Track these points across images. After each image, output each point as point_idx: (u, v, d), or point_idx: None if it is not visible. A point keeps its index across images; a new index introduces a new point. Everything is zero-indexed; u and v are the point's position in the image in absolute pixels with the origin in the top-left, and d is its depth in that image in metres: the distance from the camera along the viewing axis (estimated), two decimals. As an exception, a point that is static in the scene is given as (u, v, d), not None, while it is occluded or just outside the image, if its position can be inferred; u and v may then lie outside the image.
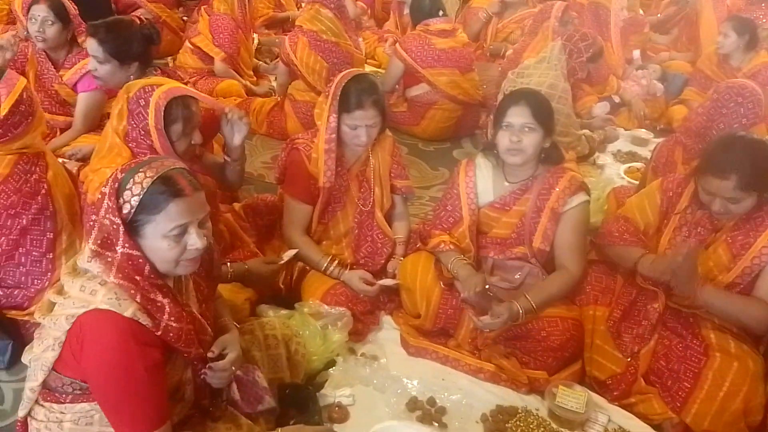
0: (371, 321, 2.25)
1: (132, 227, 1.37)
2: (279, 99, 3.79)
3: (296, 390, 1.84)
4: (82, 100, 2.95)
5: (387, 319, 2.28)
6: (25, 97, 1.93)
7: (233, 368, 1.59)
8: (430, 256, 2.24)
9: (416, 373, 2.04)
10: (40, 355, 1.42)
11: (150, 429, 1.38)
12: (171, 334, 1.41)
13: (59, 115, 3.08)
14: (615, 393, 1.98)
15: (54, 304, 1.43)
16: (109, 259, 1.36)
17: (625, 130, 3.93)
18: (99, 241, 1.38)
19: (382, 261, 2.39)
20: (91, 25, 2.48)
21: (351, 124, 2.23)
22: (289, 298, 2.28)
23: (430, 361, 2.11)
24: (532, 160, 2.11)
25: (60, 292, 1.44)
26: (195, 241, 1.40)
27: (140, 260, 1.38)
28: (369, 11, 5.48)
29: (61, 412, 1.43)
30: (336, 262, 2.28)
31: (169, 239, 1.38)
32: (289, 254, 2.20)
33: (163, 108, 1.89)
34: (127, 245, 1.36)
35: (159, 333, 1.38)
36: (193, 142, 2.01)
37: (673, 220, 2.07)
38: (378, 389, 1.97)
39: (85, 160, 2.66)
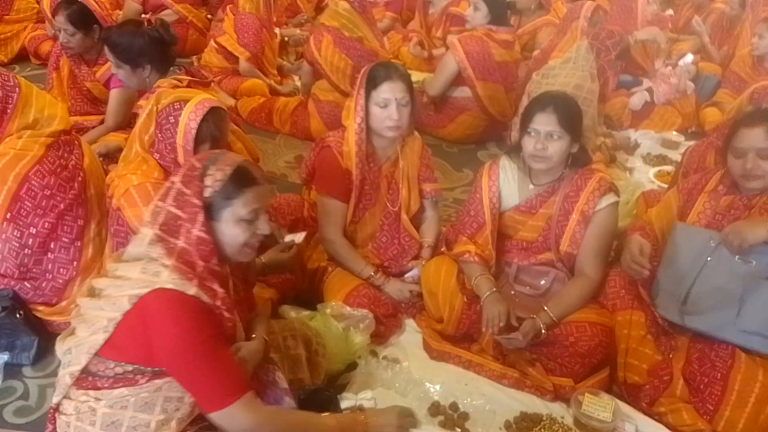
0: (394, 324, 2.23)
1: (209, 211, 1.46)
2: (303, 98, 3.78)
3: (316, 392, 1.83)
4: (113, 97, 2.99)
5: (410, 323, 2.26)
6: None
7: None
8: (454, 261, 2.21)
9: (439, 377, 2.01)
10: (86, 339, 1.44)
11: (241, 391, 1.43)
12: (223, 321, 1.47)
13: (92, 114, 3.13)
14: (647, 397, 1.92)
15: (98, 289, 1.47)
16: (171, 245, 1.42)
17: (655, 132, 3.84)
18: (164, 228, 1.44)
19: (408, 264, 2.36)
20: (104, 29, 2.51)
21: (380, 101, 2.19)
22: (311, 299, 2.26)
23: (453, 365, 2.08)
24: (559, 164, 2.07)
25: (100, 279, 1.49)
26: (264, 226, 1.53)
27: (210, 244, 1.45)
28: (399, 17, 5.42)
29: (97, 399, 1.43)
30: (380, 272, 2.27)
31: (243, 223, 1.49)
32: (300, 236, 2.18)
33: (195, 129, 1.91)
34: (203, 228, 1.44)
35: (217, 313, 1.45)
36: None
37: (697, 205, 2.04)
38: (400, 393, 1.95)
39: (110, 156, 2.68)
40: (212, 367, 1.40)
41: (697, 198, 2.07)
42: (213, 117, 1.96)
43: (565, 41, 3.76)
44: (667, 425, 1.85)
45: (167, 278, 1.39)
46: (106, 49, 2.51)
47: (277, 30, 4.69)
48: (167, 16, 4.54)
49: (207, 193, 1.46)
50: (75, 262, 2.09)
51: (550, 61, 3.41)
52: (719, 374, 1.83)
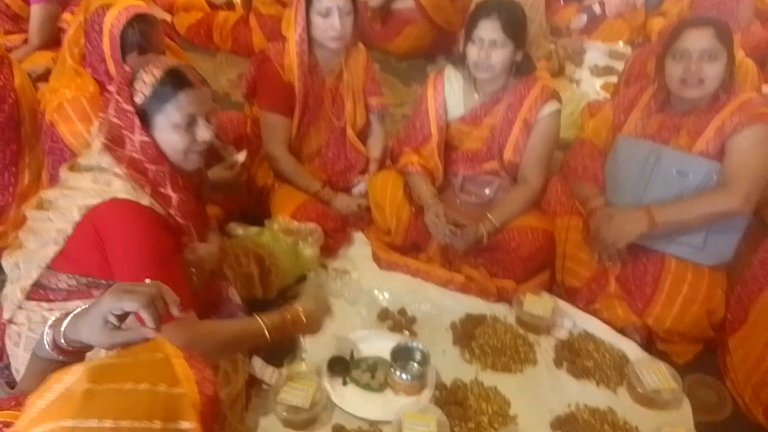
0: (343, 237, 2.24)
1: (144, 117, 1.41)
2: (244, 13, 3.61)
3: (268, 306, 1.85)
4: (35, 13, 2.77)
5: (358, 236, 2.28)
6: None
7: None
8: (400, 174, 2.21)
9: (387, 286, 2.06)
10: (36, 252, 1.41)
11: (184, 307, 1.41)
12: (177, 231, 1.46)
13: (14, 33, 2.90)
14: (584, 298, 2.02)
15: (46, 201, 1.43)
16: (119, 154, 1.40)
17: (603, 43, 3.84)
18: (109, 137, 1.41)
19: (355, 179, 2.37)
20: None
21: (322, 9, 2.11)
22: (258, 216, 2.25)
23: (402, 274, 2.13)
24: (503, 73, 2.06)
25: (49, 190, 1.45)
26: (203, 132, 1.46)
27: (155, 148, 1.42)
28: None
29: (49, 309, 1.42)
30: (327, 186, 2.26)
31: (180, 129, 1.43)
32: (242, 155, 2.15)
33: (119, 35, 1.80)
34: (143, 133, 1.40)
35: (172, 222, 1.44)
36: None
37: (629, 122, 2.06)
38: (349, 302, 1.99)
39: (41, 78, 2.53)
40: (164, 277, 1.34)
41: (630, 113, 2.09)
42: (139, 24, 1.84)
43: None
44: (602, 320, 1.96)
45: (120, 187, 1.36)
46: None
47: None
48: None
49: (138, 98, 1.40)
50: (10, 188, 2.00)
51: None
52: (650, 277, 1.94)
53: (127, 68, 1.45)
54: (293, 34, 2.17)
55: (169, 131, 1.42)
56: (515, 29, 2.00)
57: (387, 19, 3.68)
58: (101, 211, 1.35)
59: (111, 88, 1.46)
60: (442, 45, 3.77)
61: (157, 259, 1.37)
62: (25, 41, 2.84)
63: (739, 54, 2.42)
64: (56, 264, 1.41)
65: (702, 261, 1.91)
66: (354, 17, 2.18)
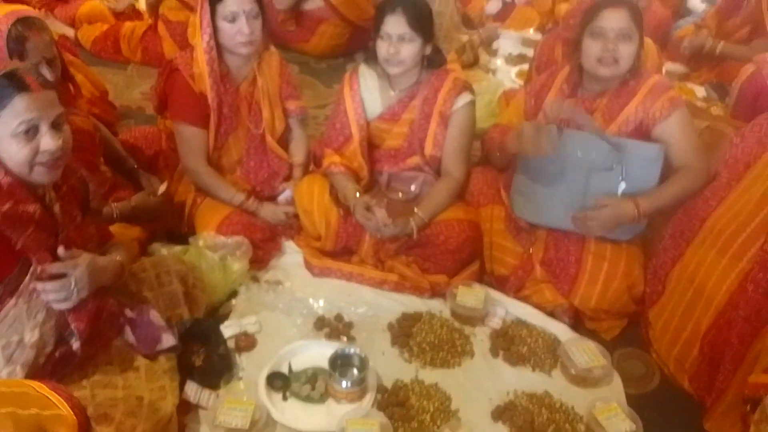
0: (272, 247, 2.20)
1: None
2: (151, 21, 3.47)
3: (196, 324, 1.79)
4: None
5: (289, 244, 2.24)
6: None
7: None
8: (325, 177, 2.19)
9: (322, 292, 2.04)
10: None
11: None
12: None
13: None
14: (513, 286, 2.07)
15: None
16: None
17: (515, 32, 3.94)
18: None
19: (280, 186, 2.32)
20: None
21: (227, 14, 2.05)
22: (182, 233, 2.17)
23: (335, 279, 2.11)
24: (414, 67, 2.07)
25: None
26: (48, 141, 1.34)
27: None
28: None
29: None
30: (252, 197, 2.20)
31: (18, 138, 1.32)
32: (163, 186, 2.08)
33: (10, 39, 1.73)
34: None
35: None
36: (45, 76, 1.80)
37: (544, 107, 2.10)
38: (284, 313, 1.96)
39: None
40: None
41: (543, 99, 2.14)
42: (22, 28, 1.74)
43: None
44: (532, 305, 2.02)
45: None
46: None
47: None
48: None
49: None
50: None
51: None
52: (573, 258, 2.00)
53: None
54: (200, 41, 2.10)
55: (7, 141, 1.31)
56: (422, 23, 2.02)
57: (300, 19, 3.64)
58: None
59: None
60: (360, 42, 3.74)
61: None
62: None
63: (641, 34, 2.53)
64: None
65: (618, 236, 1.99)
66: (262, 20, 2.13)
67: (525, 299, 2.03)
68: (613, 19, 1.94)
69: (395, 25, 1.97)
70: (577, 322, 1.99)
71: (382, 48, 2.01)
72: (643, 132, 1.99)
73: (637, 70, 2.00)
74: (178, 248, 2.06)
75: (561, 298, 1.98)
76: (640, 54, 2.00)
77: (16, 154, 1.32)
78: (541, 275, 2.05)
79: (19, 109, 1.30)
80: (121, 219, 1.98)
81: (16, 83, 1.31)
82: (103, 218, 1.87)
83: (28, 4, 2.18)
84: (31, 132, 1.32)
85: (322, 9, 3.59)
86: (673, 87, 2.13)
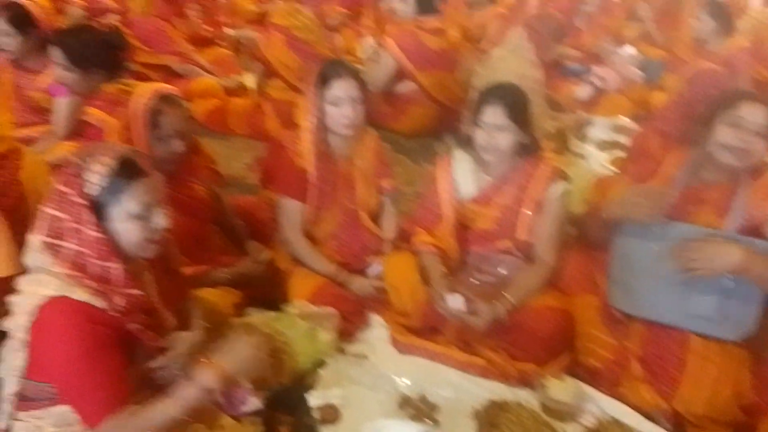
0: (359, 320, 2.23)
1: (97, 210, 1.37)
2: (257, 99, 3.74)
3: (284, 392, 1.83)
4: (60, 106, 2.88)
5: (376, 318, 2.26)
6: None
7: (176, 365, 1.54)
8: (414, 254, 2.23)
9: (406, 370, 2.03)
10: (9, 363, 1.39)
11: (107, 411, 1.33)
12: (123, 318, 1.39)
13: (37, 124, 3.00)
14: (607, 381, 1.98)
15: (10, 307, 1.40)
16: (59, 250, 1.35)
17: (606, 118, 3.93)
18: (50, 233, 1.36)
19: (370, 260, 2.37)
20: (53, 33, 2.44)
21: (333, 99, 2.18)
22: (275, 299, 2.25)
23: (420, 358, 2.10)
24: (509, 154, 2.11)
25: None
26: (159, 220, 1.43)
27: (107, 244, 1.37)
28: (350, 12, 5.39)
29: (40, 418, 1.39)
30: (343, 269, 2.27)
31: (136, 219, 1.39)
32: (265, 255, 2.18)
33: (146, 117, 1.90)
34: (95, 228, 1.35)
35: (113, 314, 1.37)
36: (173, 150, 2.00)
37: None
38: (369, 388, 1.96)
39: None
40: (91, 380, 1.32)
41: None
42: (162, 104, 1.94)
43: (511, 31, 3.82)
44: (628, 405, 1.91)
45: (54, 286, 1.32)
46: (56, 52, 2.43)
47: (230, 31, 4.63)
48: (113, 18, 4.41)
49: (90, 190, 1.35)
50: None
51: (491, 51, 3.45)
52: (674, 357, 1.90)
53: (74, 158, 1.39)
54: (307, 123, 2.24)
55: (126, 222, 1.38)
56: (519, 113, 2.07)
57: (392, 100, 3.80)
58: (40, 313, 1.32)
59: (56, 179, 1.39)
60: (448, 122, 3.86)
61: (84, 358, 1.31)
62: (48, 132, 2.94)
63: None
64: (30, 373, 1.38)
65: (722, 335, 1.88)
66: (364, 105, 2.26)
67: (620, 397, 1.93)
68: (756, 114, 1.90)
69: (493, 115, 2.04)
70: (677, 427, 1.86)
71: (480, 136, 2.07)
72: (753, 229, 1.91)
73: (758, 166, 1.95)
74: (271, 314, 2.13)
75: (661, 401, 1.87)
76: None
77: (131, 233, 1.40)
78: (638, 372, 1.95)
79: (138, 193, 1.38)
80: (228, 283, 2.08)
81: (135, 169, 1.39)
82: (211, 282, 1.98)
83: (152, 79, 2.41)
84: (146, 213, 1.41)
85: (414, 91, 3.73)
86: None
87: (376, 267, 2.35)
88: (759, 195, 1.92)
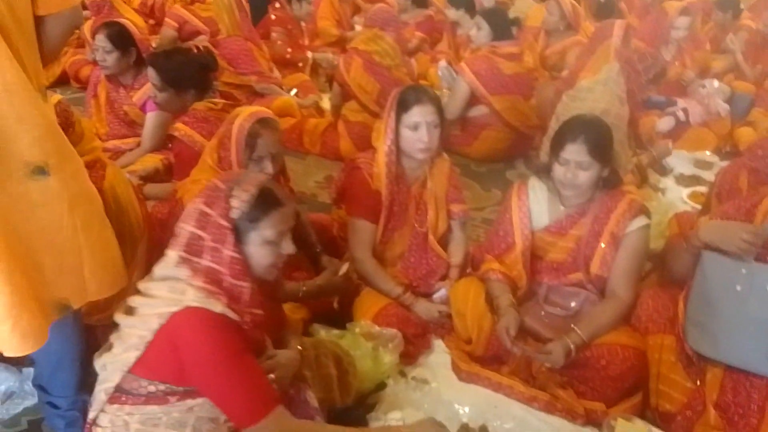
0: (422, 344, 2.22)
1: (235, 233, 1.46)
2: (332, 119, 3.84)
3: (346, 411, 1.84)
4: (150, 120, 3.08)
5: (438, 343, 2.25)
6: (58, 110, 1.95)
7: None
8: (482, 281, 2.20)
9: (468, 399, 2.00)
10: (119, 356, 1.46)
11: (267, 410, 1.43)
12: (250, 337, 1.48)
13: (129, 137, 3.22)
14: (680, 427, 1.87)
15: (133, 307, 1.49)
16: (196, 265, 1.44)
17: (688, 152, 3.78)
18: (188, 249, 1.45)
19: (436, 284, 2.37)
20: (150, 54, 2.60)
21: (411, 123, 2.22)
22: (341, 317, 2.28)
23: (482, 387, 2.06)
24: (589, 189, 2.07)
25: (136, 297, 1.50)
26: (289, 246, 1.54)
27: (243, 264, 1.46)
28: (428, 38, 5.47)
29: (129, 413, 1.46)
30: (409, 292, 2.28)
31: (270, 245, 1.50)
32: (344, 268, 2.22)
33: (244, 141, 2.01)
34: (235, 249, 1.45)
35: (245, 327, 1.46)
36: (266, 170, 2.09)
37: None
38: (429, 414, 1.93)
39: (149, 178, 2.76)
40: (243, 382, 1.42)
41: None
42: (260, 128, 2.03)
43: (593, 61, 3.72)
44: (701, 453, 1.81)
45: (193, 296, 1.40)
46: (151, 72, 2.60)
47: (309, 54, 4.79)
48: (201, 41, 4.67)
49: (233, 214, 1.46)
50: None
51: (580, 82, 3.39)
52: (755, 405, 1.79)
53: (221, 183, 1.50)
54: (383, 145, 2.28)
55: (260, 247, 1.49)
56: (601, 150, 2.02)
57: (464, 125, 3.81)
58: (177, 319, 1.40)
59: (196, 199, 1.50)
60: (521, 147, 3.84)
61: (232, 362, 1.40)
62: (138, 144, 3.14)
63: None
64: (137, 369, 1.45)
65: None
66: (440, 130, 2.28)
67: (695, 445, 1.83)
68: None
69: (575, 153, 1.99)
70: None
71: (560, 171, 2.03)
72: None
73: None
74: (335, 332, 2.16)
75: (739, 452, 1.76)
76: None
77: (264, 258, 1.50)
78: (714, 420, 1.83)
79: (276, 220, 1.49)
80: (306, 296, 2.11)
81: (274, 199, 1.51)
82: (289, 295, 2.04)
83: (237, 101, 2.52)
84: (278, 239, 1.51)
85: (486, 115, 3.74)
86: None
87: (442, 291, 2.35)
88: None
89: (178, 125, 2.53)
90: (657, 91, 4.12)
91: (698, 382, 1.91)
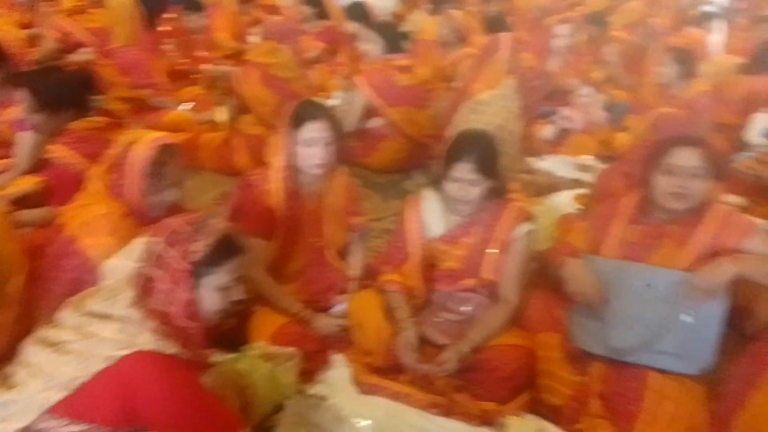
0: (322, 360, 2.20)
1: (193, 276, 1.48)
2: (227, 133, 3.74)
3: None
4: (23, 141, 2.84)
5: (338, 358, 2.23)
6: None
7: None
8: (380, 293, 2.23)
9: (368, 411, 1.99)
10: (36, 395, 1.38)
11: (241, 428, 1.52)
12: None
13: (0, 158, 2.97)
14: (566, 419, 1.98)
15: (57, 342, 1.42)
16: (150, 306, 1.45)
17: (571, 157, 4.02)
18: (140, 289, 1.47)
19: (335, 299, 2.36)
20: (19, 74, 2.43)
21: (305, 140, 2.20)
22: (234, 339, 2.21)
23: (382, 398, 2.07)
24: (479, 199, 2.16)
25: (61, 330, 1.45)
26: (239, 293, 1.58)
27: (196, 305, 1.49)
28: (329, 47, 5.48)
29: None
30: (307, 307, 2.25)
31: (222, 291, 1.53)
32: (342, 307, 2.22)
33: (144, 169, 1.90)
34: (191, 291, 1.47)
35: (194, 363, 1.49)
36: (168, 199, 2.00)
37: (611, 236, 2.13)
38: (328, 431, 1.92)
39: (20, 202, 2.56)
40: (207, 417, 1.43)
41: (609, 227, 2.17)
42: (161, 155, 1.93)
43: (485, 73, 3.89)
44: (588, 442, 1.91)
45: (147, 339, 1.39)
46: (23, 94, 2.41)
47: (206, 66, 4.66)
48: (85, 54, 4.41)
49: (194, 257, 1.47)
50: None
51: (479, 95, 3.50)
52: (632, 393, 1.92)
53: (184, 226, 1.50)
54: (277, 161, 2.25)
55: (213, 292, 1.51)
56: (488, 167, 2.12)
57: (362, 136, 3.84)
58: (127, 363, 1.37)
59: (154, 238, 1.50)
60: (418, 158, 3.91)
61: (193, 399, 1.41)
62: (9, 166, 2.89)
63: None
64: (58, 409, 1.37)
65: (684, 370, 1.92)
66: (336, 145, 2.27)
67: (581, 435, 1.93)
68: (685, 158, 2.00)
69: (463, 171, 2.07)
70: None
71: (450, 188, 2.11)
72: (714, 257, 1.98)
73: (707, 201, 2.03)
74: (230, 356, 2.09)
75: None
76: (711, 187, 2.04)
77: (216, 303, 1.53)
78: (596, 410, 1.95)
79: (232, 268, 1.52)
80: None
81: (234, 246, 1.54)
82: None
83: (120, 119, 2.40)
84: (230, 285, 1.54)
85: (384, 127, 3.80)
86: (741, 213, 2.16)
87: (340, 305, 2.34)
88: (712, 223, 2.01)
89: (56, 147, 2.37)
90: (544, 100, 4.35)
91: (583, 376, 2.03)
